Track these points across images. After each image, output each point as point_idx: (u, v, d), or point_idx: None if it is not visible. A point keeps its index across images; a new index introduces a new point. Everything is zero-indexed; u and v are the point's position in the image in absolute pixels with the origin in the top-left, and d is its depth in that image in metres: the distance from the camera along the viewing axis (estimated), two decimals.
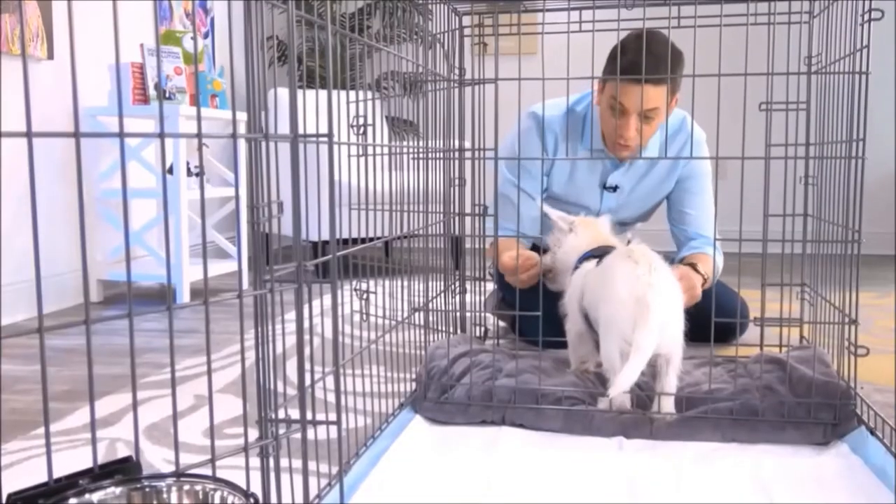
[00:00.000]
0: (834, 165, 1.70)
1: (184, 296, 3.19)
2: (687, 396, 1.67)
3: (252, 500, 0.94)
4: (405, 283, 1.95)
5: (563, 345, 1.94)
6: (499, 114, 1.84)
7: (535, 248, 2.27)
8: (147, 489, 0.94)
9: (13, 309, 2.84)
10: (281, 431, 1.07)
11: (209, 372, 0.94)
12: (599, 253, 1.81)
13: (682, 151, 2.30)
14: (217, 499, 0.95)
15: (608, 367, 1.64)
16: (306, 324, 1.77)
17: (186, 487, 0.95)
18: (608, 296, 1.64)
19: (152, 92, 3.24)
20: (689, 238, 2.35)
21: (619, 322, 1.59)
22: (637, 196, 2.37)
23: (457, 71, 2.11)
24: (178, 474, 0.96)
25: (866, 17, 1.52)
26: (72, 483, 0.90)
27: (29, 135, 0.77)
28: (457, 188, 2.13)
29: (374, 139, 1.72)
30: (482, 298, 2.45)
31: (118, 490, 0.92)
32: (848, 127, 1.60)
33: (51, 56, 3.01)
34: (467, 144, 2.06)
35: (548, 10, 1.82)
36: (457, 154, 2.10)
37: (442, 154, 2.08)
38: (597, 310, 1.70)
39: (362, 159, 1.69)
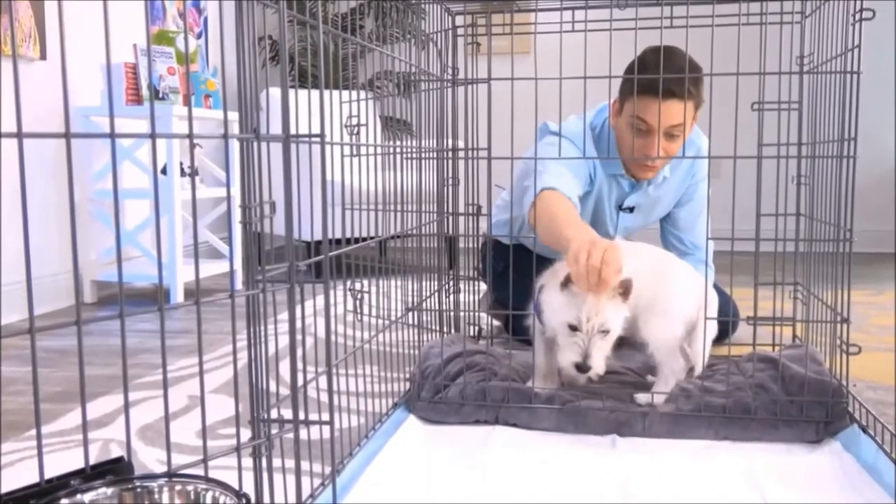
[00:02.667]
0: (826, 165, 1.70)
1: (178, 296, 3.19)
2: (680, 394, 1.68)
3: (244, 500, 0.94)
4: (399, 283, 1.95)
5: None
6: (492, 113, 1.84)
7: None
8: (138, 489, 0.94)
9: (8, 310, 2.83)
10: (274, 431, 1.07)
11: (201, 372, 0.94)
12: None
13: (693, 165, 2.29)
14: (209, 499, 0.95)
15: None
16: (299, 324, 1.77)
17: (178, 488, 0.95)
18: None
19: (145, 92, 3.23)
20: (683, 250, 2.35)
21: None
22: (652, 213, 2.36)
23: (450, 70, 2.11)
24: (170, 475, 0.96)
25: (858, 16, 1.53)
26: (63, 484, 0.90)
27: (20, 135, 0.77)
28: (450, 188, 2.13)
29: (367, 139, 1.72)
30: (476, 298, 2.45)
31: (109, 490, 0.92)
32: (840, 126, 1.61)
33: (44, 56, 3.00)
34: (461, 144, 2.06)
35: (540, 10, 1.82)
36: (450, 154, 2.10)
37: (435, 154, 2.08)
38: None
39: (355, 159, 1.70)
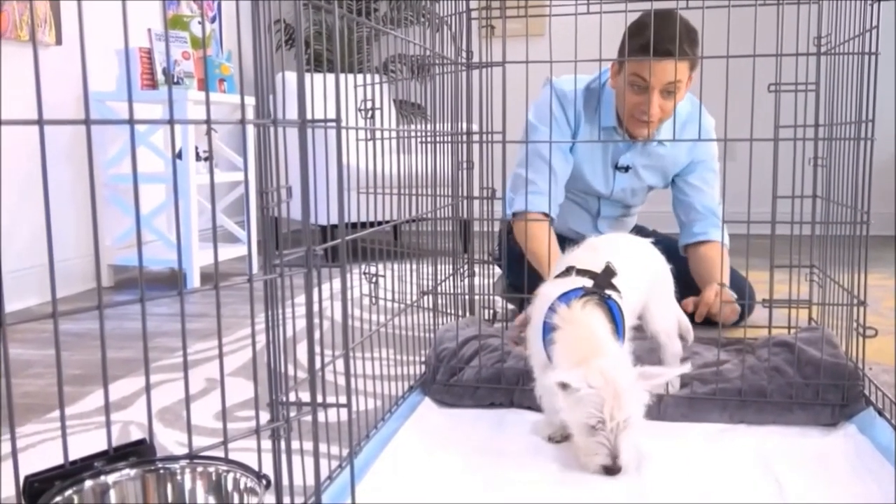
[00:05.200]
0: (843, 147, 1.69)
1: (194, 280, 3.21)
2: (695, 377, 1.68)
3: (264, 482, 0.95)
4: (414, 267, 1.96)
5: None
6: (507, 97, 1.83)
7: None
8: (161, 471, 0.95)
9: (23, 295, 2.86)
10: (292, 414, 1.08)
11: (220, 356, 0.95)
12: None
13: (695, 146, 2.28)
14: (230, 480, 0.96)
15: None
16: (316, 307, 1.78)
17: (200, 469, 0.97)
18: None
19: (160, 77, 3.24)
20: (693, 215, 2.32)
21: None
22: (646, 177, 2.36)
23: (464, 54, 2.11)
24: (192, 456, 0.97)
25: None
26: (87, 465, 0.92)
27: (40, 122, 0.78)
28: (465, 171, 2.13)
29: (381, 123, 1.72)
30: (491, 281, 2.45)
31: (133, 472, 0.94)
32: (857, 108, 1.59)
33: (59, 41, 3.01)
34: (475, 128, 2.05)
35: None
36: (465, 137, 2.10)
37: (450, 137, 2.07)
38: None
39: (370, 143, 1.70)
